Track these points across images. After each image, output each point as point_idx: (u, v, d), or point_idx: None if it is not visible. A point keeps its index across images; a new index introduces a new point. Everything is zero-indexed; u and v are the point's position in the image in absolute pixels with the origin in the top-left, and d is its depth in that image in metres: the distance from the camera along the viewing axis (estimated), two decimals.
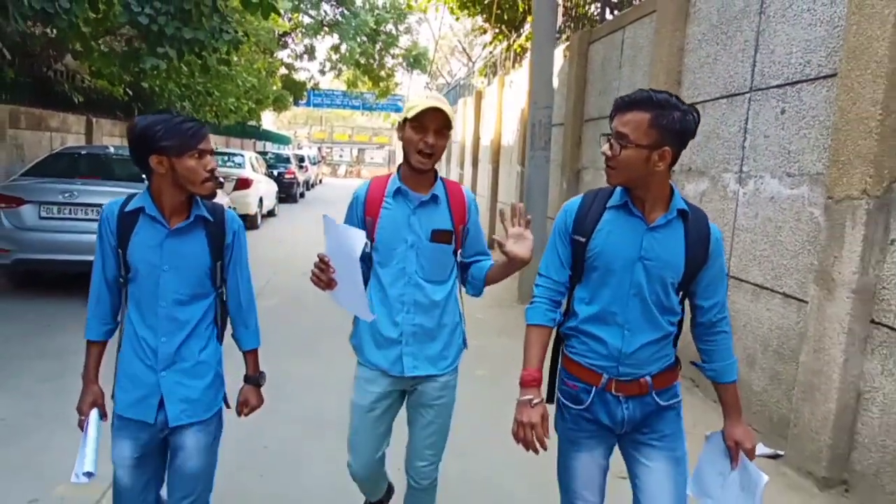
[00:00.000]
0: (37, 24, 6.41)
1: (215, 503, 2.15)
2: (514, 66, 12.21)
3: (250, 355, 2.16)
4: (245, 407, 2.15)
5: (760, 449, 1.57)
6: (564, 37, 9.10)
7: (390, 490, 2.57)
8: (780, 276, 3.83)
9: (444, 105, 2.03)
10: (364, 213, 2.17)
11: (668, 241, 1.78)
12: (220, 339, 2.06)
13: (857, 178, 3.10)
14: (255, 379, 2.16)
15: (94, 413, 1.97)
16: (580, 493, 1.92)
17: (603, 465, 1.93)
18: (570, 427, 1.93)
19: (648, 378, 1.84)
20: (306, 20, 22.94)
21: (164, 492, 2.07)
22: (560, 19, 10.02)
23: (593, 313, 1.85)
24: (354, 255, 1.91)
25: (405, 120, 2.06)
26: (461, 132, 16.61)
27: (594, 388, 1.86)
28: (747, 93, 4.23)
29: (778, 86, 3.91)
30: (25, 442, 3.44)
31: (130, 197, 1.93)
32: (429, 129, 2.03)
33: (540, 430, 1.81)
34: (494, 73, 14.54)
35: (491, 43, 15.36)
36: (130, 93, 10.13)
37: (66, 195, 6.24)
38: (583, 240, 1.84)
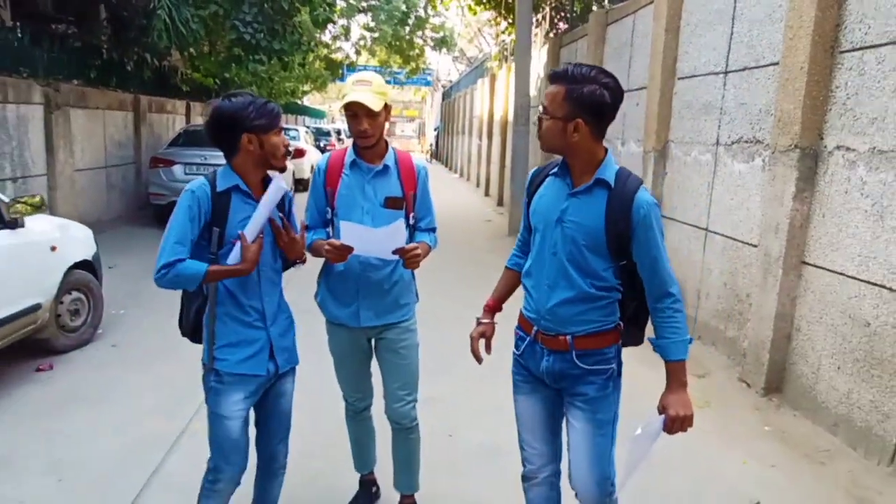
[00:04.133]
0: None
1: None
2: None
3: None
4: None
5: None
6: (552, 34, 11.86)
7: (377, 493, 2.78)
8: None
9: (364, 93, 2.16)
10: (325, 183, 2.35)
11: (588, 207, 1.83)
12: None
13: (651, 140, 5.99)
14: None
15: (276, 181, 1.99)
16: (523, 436, 2.05)
17: (542, 413, 2.01)
18: (513, 370, 2.07)
19: (569, 338, 1.88)
20: (343, 4, 25.47)
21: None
22: (547, 20, 12.76)
23: (527, 268, 2.00)
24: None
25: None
26: (480, 108, 19.34)
27: (528, 337, 1.98)
28: (626, 91, 7.06)
29: (636, 89, 6.77)
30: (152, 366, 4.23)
31: (212, 178, 2.00)
32: (358, 115, 2.20)
33: (475, 343, 2.07)
34: (505, 59, 17.12)
35: (504, 31, 17.86)
36: (218, 82, 13.20)
37: (202, 158, 9.37)
38: (528, 201, 2.01)
